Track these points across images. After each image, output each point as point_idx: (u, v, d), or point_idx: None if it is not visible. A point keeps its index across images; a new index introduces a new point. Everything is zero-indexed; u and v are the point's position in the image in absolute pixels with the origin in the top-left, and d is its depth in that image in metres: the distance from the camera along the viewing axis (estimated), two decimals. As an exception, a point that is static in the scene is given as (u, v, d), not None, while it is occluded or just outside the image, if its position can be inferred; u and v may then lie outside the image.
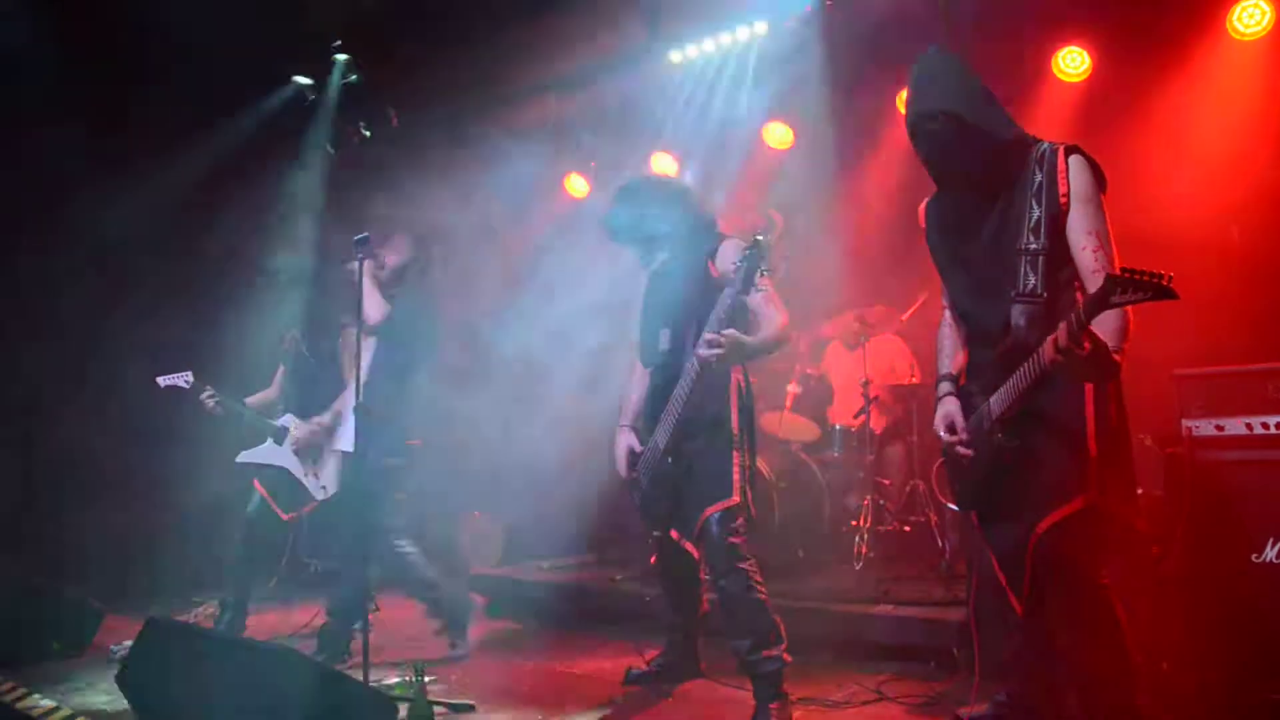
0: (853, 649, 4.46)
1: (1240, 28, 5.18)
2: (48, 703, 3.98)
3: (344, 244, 4.24)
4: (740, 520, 3.74)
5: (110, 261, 6.29)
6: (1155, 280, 2.31)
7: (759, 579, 3.74)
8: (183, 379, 5.47)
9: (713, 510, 3.70)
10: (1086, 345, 2.55)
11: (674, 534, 3.87)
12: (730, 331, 3.49)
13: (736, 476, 3.75)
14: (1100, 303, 2.41)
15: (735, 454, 3.77)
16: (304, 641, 4.85)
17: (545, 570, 6.00)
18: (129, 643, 3.91)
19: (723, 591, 3.74)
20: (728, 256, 3.76)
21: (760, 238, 3.44)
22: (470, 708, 3.88)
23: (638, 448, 3.98)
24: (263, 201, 7.11)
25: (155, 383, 5.48)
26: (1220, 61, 5.32)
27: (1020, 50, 5.60)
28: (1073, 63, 5.68)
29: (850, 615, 4.64)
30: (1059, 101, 5.70)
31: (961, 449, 3.04)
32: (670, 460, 3.82)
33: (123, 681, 3.66)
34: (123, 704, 3.68)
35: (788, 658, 3.68)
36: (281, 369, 5.78)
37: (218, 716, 3.17)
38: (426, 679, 3.51)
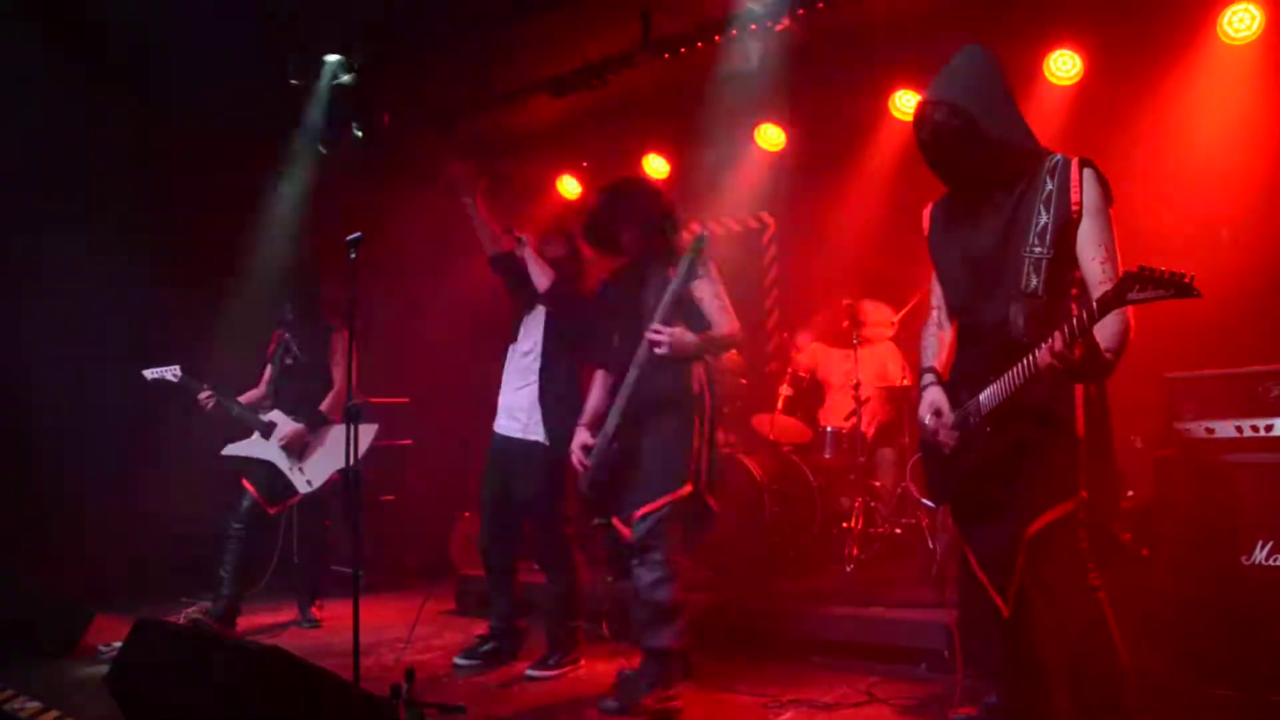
0: (844, 651, 4.46)
1: (1230, 31, 5.20)
2: (35, 704, 3.95)
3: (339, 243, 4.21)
4: (675, 510, 3.81)
5: (101, 260, 6.26)
6: (1177, 278, 2.33)
7: (675, 565, 3.81)
8: (170, 372, 5.54)
9: (658, 504, 3.77)
10: (1078, 352, 2.60)
11: (616, 521, 3.94)
12: (676, 330, 3.70)
13: (692, 466, 3.83)
14: (1117, 299, 2.44)
15: (695, 444, 3.85)
16: (291, 641, 4.85)
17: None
18: (118, 643, 3.89)
19: (636, 578, 3.82)
20: (685, 269, 3.82)
21: (703, 234, 3.72)
22: (461, 709, 3.87)
23: (590, 443, 4.04)
24: (256, 201, 7.13)
25: (142, 376, 5.53)
26: (1210, 65, 5.34)
27: (1012, 52, 5.60)
28: (1064, 65, 5.69)
29: (841, 617, 4.65)
30: (1050, 104, 5.71)
31: (945, 435, 3.05)
32: (615, 445, 3.90)
33: (111, 682, 3.64)
34: (111, 705, 3.66)
35: (675, 643, 3.78)
36: (269, 368, 5.83)
37: (207, 718, 3.15)
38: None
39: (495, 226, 4.78)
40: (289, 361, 5.73)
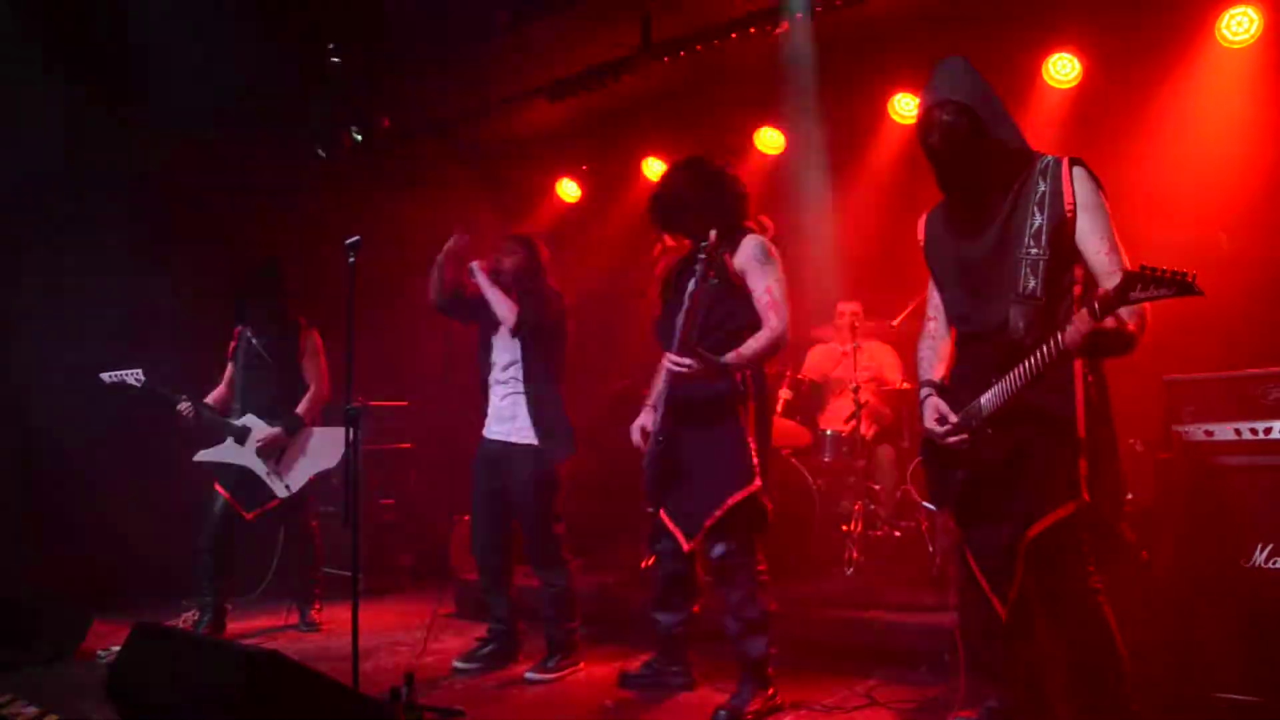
0: (843, 654, 4.45)
1: (1228, 35, 5.22)
2: (34, 709, 3.95)
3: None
4: (754, 513, 3.76)
5: (103, 264, 6.27)
6: (1179, 277, 2.33)
7: (763, 574, 3.80)
8: (132, 376, 5.39)
9: (722, 509, 3.70)
10: (1112, 323, 2.61)
11: (662, 514, 3.91)
12: (695, 364, 3.54)
13: (755, 462, 3.74)
14: (1119, 298, 2.44)
15: (751, 441, 3.76)
16: (290, 644, 4.84)
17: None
18: (116, 647, 3.88)
19: (725, 596, 3.82)
20: (744, 252, 3.77)
21: (712, 235, 3.57)
22: (461, 713, 3.87)
23: (649, 426, 3.96)
24: (257, 207, 7.11)
25: (101, 379, 5.40)
26: (1209, 69, 5.35)
27: (1010, 56, 5.61)
28: (1063, 69, 5.69)
29: (841, 620, 4.64)
30: (1049, 107, 5.72)
31: (953, 439, 3.04)
32: (661, 440, 3.84)
33: (110, 687, 3.63)
34: (109, 709, 3.66)
35: (773, 649, 3.78)
36: (231, 366, 5.68)
37: (206, 722, 3.15)
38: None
39: (451, 273, 4.76)
40: (254, 361, 5.56)
